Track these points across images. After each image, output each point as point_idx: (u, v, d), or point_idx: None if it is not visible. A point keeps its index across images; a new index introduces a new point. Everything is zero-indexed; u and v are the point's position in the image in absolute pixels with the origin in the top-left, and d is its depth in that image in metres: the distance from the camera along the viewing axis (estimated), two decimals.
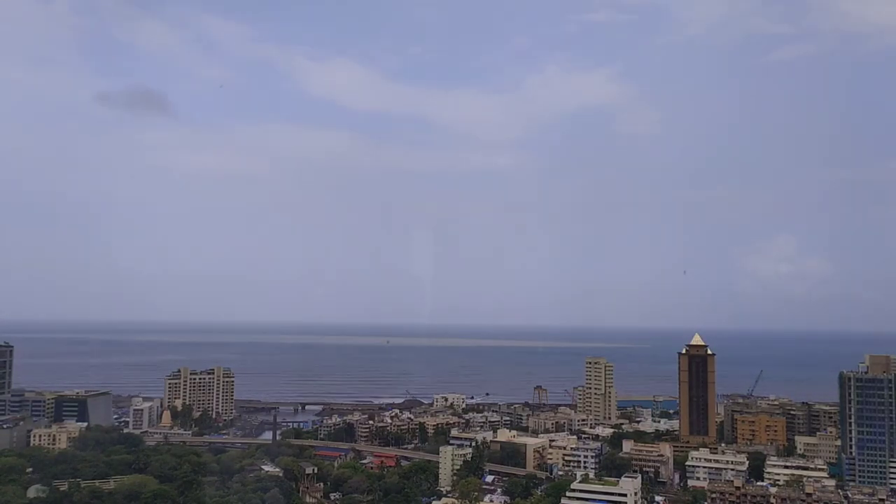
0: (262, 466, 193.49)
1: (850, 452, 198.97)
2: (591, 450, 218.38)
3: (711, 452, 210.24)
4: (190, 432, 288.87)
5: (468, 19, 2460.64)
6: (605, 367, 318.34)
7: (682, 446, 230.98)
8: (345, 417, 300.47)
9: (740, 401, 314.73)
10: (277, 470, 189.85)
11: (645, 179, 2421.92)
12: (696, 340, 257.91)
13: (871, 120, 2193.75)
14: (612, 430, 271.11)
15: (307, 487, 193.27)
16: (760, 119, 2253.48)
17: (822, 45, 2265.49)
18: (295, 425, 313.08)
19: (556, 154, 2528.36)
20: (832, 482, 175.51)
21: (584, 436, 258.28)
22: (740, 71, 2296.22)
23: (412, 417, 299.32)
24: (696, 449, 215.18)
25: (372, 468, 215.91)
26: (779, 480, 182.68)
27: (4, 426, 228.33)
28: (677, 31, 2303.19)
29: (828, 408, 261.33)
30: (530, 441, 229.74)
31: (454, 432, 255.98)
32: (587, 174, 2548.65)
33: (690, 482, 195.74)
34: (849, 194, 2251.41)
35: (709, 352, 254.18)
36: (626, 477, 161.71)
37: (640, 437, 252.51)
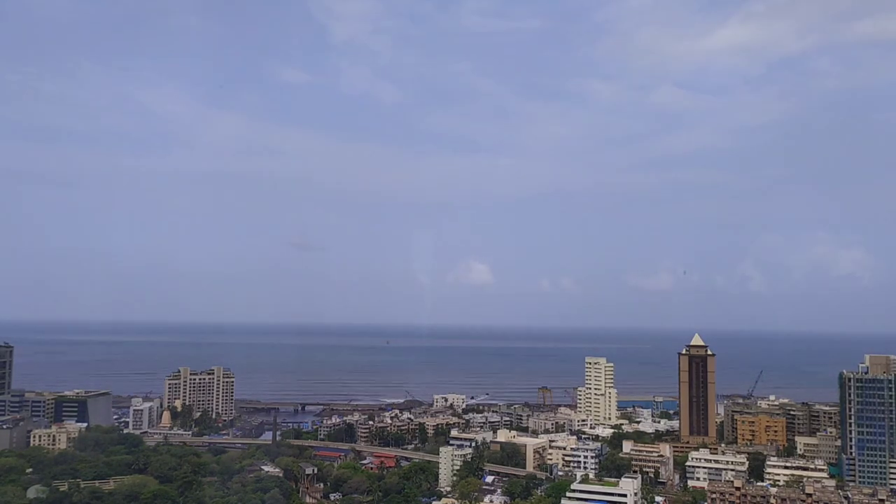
0: (262, 467, 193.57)
1: (850, 453, 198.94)
2: (591, 450, 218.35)
3: (711, 453, 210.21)
4: (190, 433, 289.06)
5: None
6: (605, 367, 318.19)
7: (682, 446, 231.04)
8: (345, 418, 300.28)
9: (740, 401, 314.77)
10: (277, 470, 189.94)
11: (643, 180, 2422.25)
12: (696, 341, 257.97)
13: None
14: (612, 431, 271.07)
15: (307, 488, 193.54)
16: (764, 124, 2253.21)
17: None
18: (295, 426, 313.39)
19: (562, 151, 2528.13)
20: (832, 482, 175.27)
21: (584, 436, 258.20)
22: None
23: (412, 418, 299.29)
24: (696, 449, 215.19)
25: (372, 468, 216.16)
26: (779, 481, 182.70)
27: (4, 426, 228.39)
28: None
29: (828, 408, 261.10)
30: (530, 441, 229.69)
31: (454, 433, 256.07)
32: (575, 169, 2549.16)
33: (690, 482, 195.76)
34: (850, 196, 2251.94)
35: (709, 352, 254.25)
36: (626, 477, 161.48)
37: (640, 437, 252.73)
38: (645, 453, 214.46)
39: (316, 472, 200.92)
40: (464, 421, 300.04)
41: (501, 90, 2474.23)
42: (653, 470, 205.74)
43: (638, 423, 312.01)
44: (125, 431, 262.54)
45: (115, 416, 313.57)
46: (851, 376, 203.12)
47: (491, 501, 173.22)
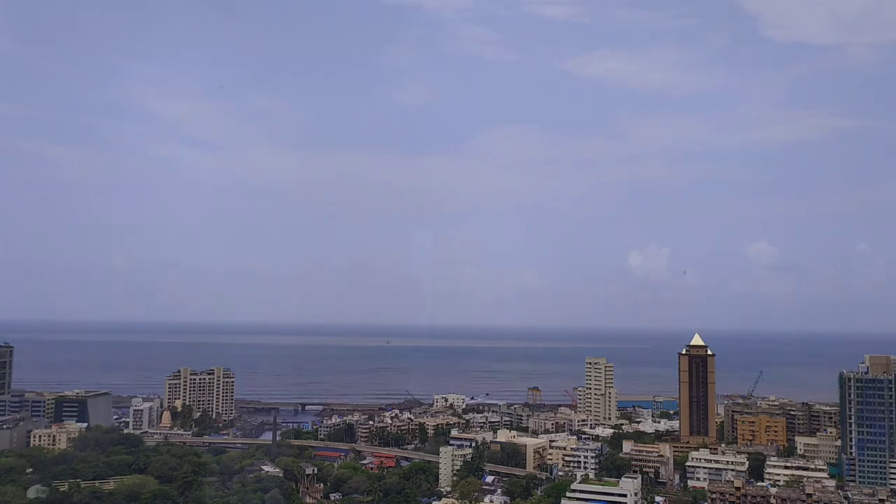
0: (262, 467, 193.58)
1: (851, 453, 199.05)
2: (591, 450, 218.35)
3: (711, 453, 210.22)
4: (190, 433, 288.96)
5: None
6: (605, 367, 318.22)
7: (682, 447, 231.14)
8: (345, 418, 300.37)
9: (740, 401, 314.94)
10: (277, 470, 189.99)
11: (650, 182, 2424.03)
12: (696, 341, 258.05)
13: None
14: (612, 431, 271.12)
15: (307, 488, 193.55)
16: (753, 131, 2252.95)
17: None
18: (295, 426, 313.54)
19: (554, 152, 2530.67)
20: (832, 483, 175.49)
21: (584, 436, 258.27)
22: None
23: (412, 418, 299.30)
24: (697, 449, 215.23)
25: (372, 469, 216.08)
26: (779, 481, 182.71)
27: (4, 426, 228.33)
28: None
29: (828, 408, 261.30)
30: (530, 441, 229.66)
31: (454, 433, 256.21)
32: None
33: (690, 482, 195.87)
34: (849, 195, 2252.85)
35: (709, 352, 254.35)
36: (626, 477, 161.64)
37: (640, 437, 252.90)
38: (645, 453, 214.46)
39: (316, 472, 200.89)
40: (464, 421, 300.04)
41: (502, 107, 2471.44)
42: (653, 470, 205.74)
43: (638, 423, 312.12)
44: (125, 431, 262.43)
45: (115, 416, 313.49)
46: (851, 376, 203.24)
47: (491, 501, 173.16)
